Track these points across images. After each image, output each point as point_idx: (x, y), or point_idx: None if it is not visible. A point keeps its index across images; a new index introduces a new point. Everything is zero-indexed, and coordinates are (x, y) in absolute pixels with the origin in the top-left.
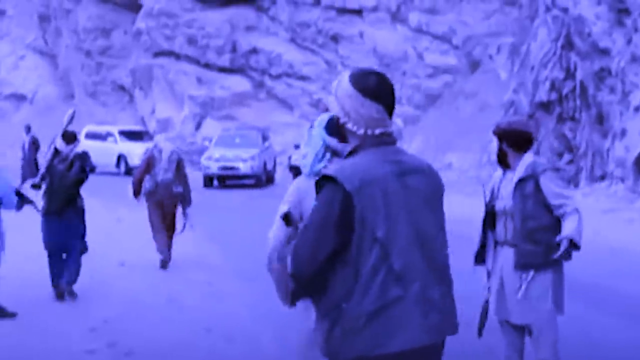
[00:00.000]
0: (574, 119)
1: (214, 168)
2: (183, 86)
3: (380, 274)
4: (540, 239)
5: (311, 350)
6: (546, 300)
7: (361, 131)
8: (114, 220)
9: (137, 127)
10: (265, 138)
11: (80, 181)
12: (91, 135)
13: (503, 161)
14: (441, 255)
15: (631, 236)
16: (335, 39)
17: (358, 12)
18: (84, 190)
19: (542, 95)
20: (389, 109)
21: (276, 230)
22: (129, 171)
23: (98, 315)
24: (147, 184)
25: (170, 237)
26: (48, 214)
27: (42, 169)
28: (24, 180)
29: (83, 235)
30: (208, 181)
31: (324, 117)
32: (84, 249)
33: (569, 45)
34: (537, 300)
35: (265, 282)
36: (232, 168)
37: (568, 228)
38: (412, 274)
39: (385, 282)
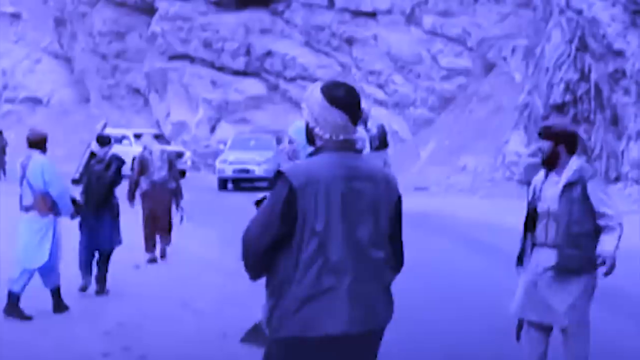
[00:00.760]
0: (589, 120)
1: (228, 171)
2: (198, 89)
3: (316, 264)
4: (583, 244)
5: None
6: (584, 303)
7: (327, 136)
8: (129, 222)
9: (152, 130)
10: (279, 141)
11: (116, 182)
12: None
13: (551, 163)
14: (377, 255)
15: None
16: (349, 41)
17: (372, 14)
18: None
19: (557, 97)
20: (354, 119)
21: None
22: None
23: (112, 319)
24: (143, 184)
25: (169, 232)
26: (86, 213)
27: (80, 169)
28: None
29: (117, 234)
30: (223, 184)
31: (298, 123)
32: (114, 247)
33: (583, 47)
34: (577, 303)
35: None
36: (246, 171)
37: (610, 244)
38: (345, 268)
39: (320, 272)
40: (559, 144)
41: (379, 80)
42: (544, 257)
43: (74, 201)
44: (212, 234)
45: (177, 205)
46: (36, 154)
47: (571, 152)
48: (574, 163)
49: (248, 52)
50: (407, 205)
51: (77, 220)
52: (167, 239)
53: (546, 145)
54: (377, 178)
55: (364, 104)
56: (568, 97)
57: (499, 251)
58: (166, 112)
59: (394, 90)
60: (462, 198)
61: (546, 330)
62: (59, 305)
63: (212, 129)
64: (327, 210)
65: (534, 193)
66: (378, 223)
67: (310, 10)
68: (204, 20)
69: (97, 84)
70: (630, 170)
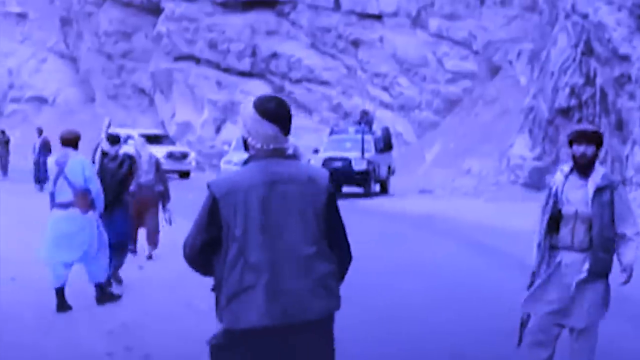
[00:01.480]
0: (594, 124)
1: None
2: (203, 90)
3: (238, 265)
4: (611, 249)
5: None
6: (604, 306)
7: (258, 145)
8: None
9: (157, 131)
10: None
11: (129, 179)
12: None
13: (590, 167)
14: (307, 251)
15: None
16: (355, 44)
17: (378, 17)
18: None
19: (562, 101)
20: (285, 129)
21: None
22: None
23: (116, 319)
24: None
25: (156, 230)
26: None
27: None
28: (36, 181)
29: (127, 232)
30: None
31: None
32: (127, 240)
33: (589, 51)
34: (599, 305)
35: None
36: None
37: (630, 255)
38: (264, 267)
39: (242, 272)
40: (599, 148)
41: (384, 83)
42: (572, 261)
43: None
44: None
45: (164, 207)
46: (73, 152)
47: (598, 156)
48: (600, 168)
49: (254, 54)
50: (411, 208)
51: None
52: (153, 242)
53: (589, 149)
54: (300, 179)
55: (368, 106)
56: (573, 101)
57: (502, 254)
58: (171, 112)
59: (400, 93)
60: (467, 201)
61: (556, 336)
62: (62, 305)
63: (217, 130)
64: (245, 217)
65: (556, 195)
66: (306, 221)
67: (316, 12)
68: (210, 21)
69: (103, 84)
70: (634, 175)
